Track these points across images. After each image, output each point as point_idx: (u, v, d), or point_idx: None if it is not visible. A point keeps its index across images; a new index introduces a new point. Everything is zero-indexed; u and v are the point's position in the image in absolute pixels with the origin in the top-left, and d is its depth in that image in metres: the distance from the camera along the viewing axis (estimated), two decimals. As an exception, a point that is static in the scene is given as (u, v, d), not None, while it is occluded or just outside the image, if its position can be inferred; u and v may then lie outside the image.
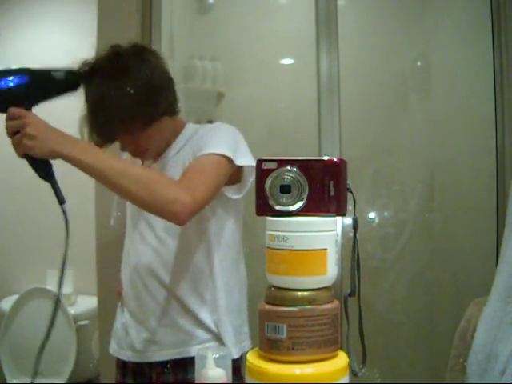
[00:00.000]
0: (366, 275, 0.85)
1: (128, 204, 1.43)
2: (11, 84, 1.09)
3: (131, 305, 1.41)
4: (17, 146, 1.09)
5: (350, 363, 0.73)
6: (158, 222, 1.32)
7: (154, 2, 2.06)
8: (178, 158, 1.35)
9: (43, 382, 2.60)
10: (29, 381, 2.49)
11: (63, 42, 2.91)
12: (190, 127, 1.41)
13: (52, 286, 2.70)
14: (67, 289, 2.79)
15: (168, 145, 1.38)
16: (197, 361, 0.83)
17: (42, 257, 2.77)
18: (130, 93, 1.22)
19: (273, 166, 0.75)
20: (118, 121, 1.24)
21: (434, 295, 2.36)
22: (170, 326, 1.35)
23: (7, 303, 2.71)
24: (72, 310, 2.66)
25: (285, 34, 2.40)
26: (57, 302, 1.09)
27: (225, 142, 1.28)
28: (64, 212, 1.09)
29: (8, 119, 1.09)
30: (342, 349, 0.74)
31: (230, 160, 1.25)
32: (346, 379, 0.71)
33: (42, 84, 1.14)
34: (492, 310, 0.93)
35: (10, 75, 1.09)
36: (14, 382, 2.61)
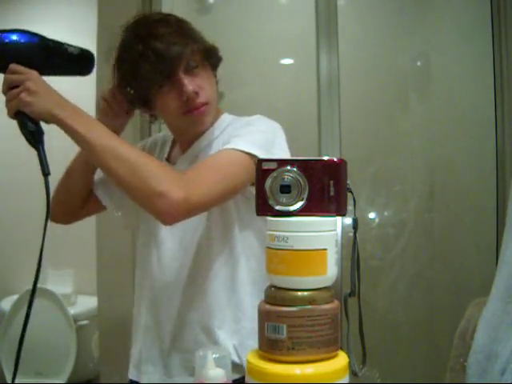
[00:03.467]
0: (366, 275, 0.85)
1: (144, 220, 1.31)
2: (19, 39, 1.04)
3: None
4: (12, 101, 1.03)
5: (350, 363, 0.73)
6: (181, 232, 1.21)
7: (154, 2, 2.06)
8: (209, 151, 1.23)
9: (43, 382, 2.61)
10: (29, 381, 2.49)
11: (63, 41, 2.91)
12: (225, 117, 1.30)
13: (52, 286, 2.71)
14: (67, 289, 2.79)
15: (200, 134, 1.26)
16: (197, 361, 0.83)
17: (42, 257, 2.77)
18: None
19: (273, 166, 0.75)
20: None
21: (434, 295, 2.36)
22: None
23: (7, 303, 2.72)
24: (72, 310, 2.66)
25: (285, 34, 2.40)
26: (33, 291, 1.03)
27: (257, 138, 1.14)
28: (47, 184, 1.01)
29: (9, 73, 1.04)
30: (342, 349, 0.74)
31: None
32: (346, 379, 0.71)
33: (53, 51, 1.09)
34: (492, 310, 0.93)
35: (19, 32, 1.04)
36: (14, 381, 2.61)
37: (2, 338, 2.62)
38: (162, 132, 1.47)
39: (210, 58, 1.23)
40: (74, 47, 1.13)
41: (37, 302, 2.99)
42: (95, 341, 2.36)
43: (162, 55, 1.12)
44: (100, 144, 1.02)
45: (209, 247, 1.21)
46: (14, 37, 1.04)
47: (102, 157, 1.03)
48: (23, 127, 1.04)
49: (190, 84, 1.15)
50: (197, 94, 1.16)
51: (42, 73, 1.07)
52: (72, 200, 1.32)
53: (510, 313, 0.88)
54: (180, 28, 1.18)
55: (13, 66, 1.04)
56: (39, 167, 1.06)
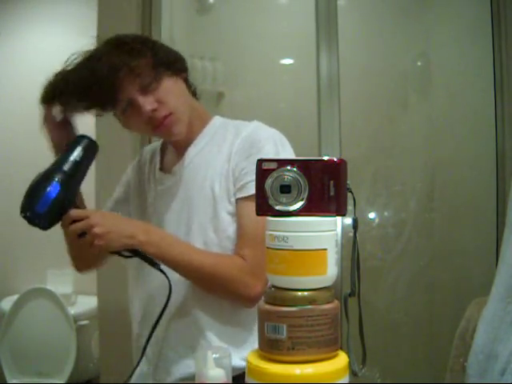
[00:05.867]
0: (366, 275, 0.85)
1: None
2: (47, 203, 1.07)
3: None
4: (90, 247, 1.07)
5: (350, 363, 0.73)
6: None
7: (154, 1, 2.06)
8: (203, 157, 1.24)
9: (43, 382, 2.61)
10: (29, 381, 2.49)
11: (62, 41, 2.91)
12: (216, 120, 1.29)
13: (52, 286, 2.71)
14: (67, 289, 2.79)
15: (192, 137, 1.26)
16: (197, 361, 0.83)
17: (42, 257, 2.77)
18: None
19: (273, 166, 0.75)
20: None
21: (434, 295, 2.37)
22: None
23: (7, 303, 2.71)
24: (72, 310, 2.66)
25: (285, 34, 2.40)
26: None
27: None
28: (169, 284, 1.10)
29: (70, 222, 1.07)
30: (342, 349, 0.74)
31: None
32: (346, 379, 0.71)
33: (73, 178, 1.11)
34: (492, 309, 0.93)
35: (39, 195, 1.07)
36: (14, 381, 2.61)
37: (2, 338, 2.62)
38: (152, 143, 1.47)
39: (166, 66, 1.19)
40: (75, 148, 1.13)
41: (37, 302, 2.99)
42: (95, 341, 2.36)
43: (102, 84, 1.12)
44: (178, 261, 1.12)
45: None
46: (44, 202, 1.06)
47: (183, 271, 1.14)
48: (127, 257, 1.12)
49: (145, 104, 1.15)
50: (155, 110, 1.16)
51: (75, 197, 1.12)
52: (86, 259, 1.30)
53: (510, 313, 0.88)
54: (118, 50, 1.15)
55: (72, 213, 1.07)
56: (40, 167, 1.09)
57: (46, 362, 2.63)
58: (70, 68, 1.16)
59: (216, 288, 1.17)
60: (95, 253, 1.09)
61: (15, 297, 2.69)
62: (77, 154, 1.12)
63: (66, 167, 1.10)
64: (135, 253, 1.11)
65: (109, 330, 1.67)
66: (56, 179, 1.07)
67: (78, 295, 2.83)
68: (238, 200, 1.19)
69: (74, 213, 1.08)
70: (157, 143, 1.41)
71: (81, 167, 1.13)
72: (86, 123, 1.25)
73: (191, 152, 1.26)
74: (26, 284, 2.73)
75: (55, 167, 1.10)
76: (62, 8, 2.99)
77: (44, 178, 1.08)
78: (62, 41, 2.92)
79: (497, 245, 1.93)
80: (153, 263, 1.12)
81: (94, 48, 1.19)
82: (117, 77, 1.12)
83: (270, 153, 1.17)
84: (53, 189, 1.07)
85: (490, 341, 0.90)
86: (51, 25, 3.00)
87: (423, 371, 2.26)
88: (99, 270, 2.08)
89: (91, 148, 1.15)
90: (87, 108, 1.18)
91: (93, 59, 1.15)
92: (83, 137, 1.16)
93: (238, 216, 1.19)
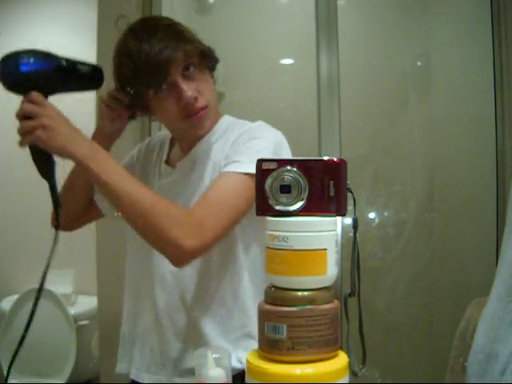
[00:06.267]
0: (366, 275, 0.85)
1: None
2: (35, 67, 1.03)
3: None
4: (25, 133, 1.02)
5: (350, 363, 0.73)
6: None
7: (153, 2, 2.06)
8: (209, 155, 1.23)
9: (43, 382, 2.61)
10: (29, 381, 2.49)
11: (62, 41, 2.91)
12: (226, 120, 1.28)
13: (52, 286, 2.71)
14: (67, 289, 2.79)
15: (201, 136, 1.25)
16: (197, 361, 0.83)
17: (42, 257, 2.77)
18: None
19: (273, 166, 0.75)
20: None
21: (434, 295, 2.36)
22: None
23: (7, 303, 2.71)
24: (72, 310, 2.66)
25: (285, 34, 2.40)
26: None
27: (259, 154, 1.04)
28: (58, 215, 1.04)
29: (25, 101, 1.03)
30: (342, 349, 0.74)
31: None
32: (346, 379, 0.71)
33: (66, 74, 1.09)
34: (492, 309, 0.93)
35: (35, 57, 1.04)
36: (14, 381, 2.61)
37: (2, 338, 2.62)
38: (162, 131, 1.46)
39: (207, 59, 1.21)
40: (86, 65, 1.14)
41: (37, 302, 2.93)
42: (95, 341, 2.36)
43: (156, 60, 1.11)
44: (116, 188, 1.03)
45: (209, 268, 1.20)
46: (31, 64, 1.03)
47: (117, 200, 1.05)
48: (35, 159, 1.05)
49: (188, 89, 1.14)
50: (196, 98, 1.15)
51: (55, 92, 1.07)
52: (74, 208, 1.30)
53: (510, 313, 0.88)
54: (173, 31, 1.16)
55: (32, 96, 1.03)
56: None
57: (45, 361, 2.63)
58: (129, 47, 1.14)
59: (146, 231, 1.07)
60: (26, 140, 1.03)
61: (15, 297, 2.69)
62: (83, 64, 1.12)
63: (68, 60, 1.09)
64: (47, 165, 1.04)
65: (109, 330, 1.67)
66: (55, 58, 1.07)
67: (78, 295, 2.83)
68: (218, 175, 1.16)
69: (35, 95, 1.03)
70: (162, 134, 1.39)
71: (77, 73, 1.11)
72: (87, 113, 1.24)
73: (198, 149, 1.25)
74: (26, 284, 2.73)
75: (62, 56, 1.08)
76: (62, 8, 3.00)
77: (50, 53, 1.06)
78: (62, 41, 2.92)
79: (497, 245, 1.93)
80: (54, 196, 1.05)
81: (144, 22, 1.20)
82: (170, 57, 1.11)
83: (263, 144, 1.16)
84: (48, 62, 1.05)
85: (490, 341, 0.90)
86: (51, 25, 3.00)
87: (423, 371, 2.26)
88: (99, 269, 2.09)
89: (96, 78, 1.15)
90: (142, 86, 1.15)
91: (148, 35, 1.13)
92: (100, 70, 1.16)
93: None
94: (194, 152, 1.25)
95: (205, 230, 1.06)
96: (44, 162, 1.04)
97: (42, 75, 1.04)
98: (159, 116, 1.24)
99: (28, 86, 1.03)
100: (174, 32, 1.16)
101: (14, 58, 1.03)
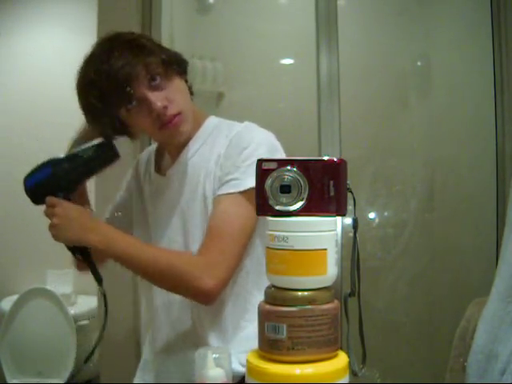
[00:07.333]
0: (366, 275, 0.85)
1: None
2: (35, 180, 1.15)
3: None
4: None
5: (350, 363, 0.73)
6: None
7: (153, 2, 2.06)
8: (195, 159, 1.23)
9: (43, 382, 2.61)
10: (29, 381, 2.49)
11: (62, 41, 2.91)
12: (211, 121, 1.27)
13: (52, 286, 2.71)
14: (67, 289, 2.79)
15: (187, 141, 1.24)
16: (197, 361, 0.83)
17: (42, 257, 2.77)
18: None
19: (273, 166, 0.75)
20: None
21: (434, 295, 2.36)
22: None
23: (7, 303, 2.71)
24: (72, 310, 2.66)
25: (285, 34, 2.40)
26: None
27: (254, 165, 1.00)
28: (104, 296, 1.17)
29: (46, 207, 1.14)
30: (342, 349, 0.74)
31: None
32: (346, 379, 0.71)
33: (71, 169, 1.15)
34: (492, 309, 0.93)
35: (34, 170, 1.15)
36: (14, 381, 2.61)
37: (2, 338, 2.62)
38: (153, 144, 1.46)
39: (173, 66, 1.19)
40: (88, 149, 1.16)
41: (37, 302, 2.99)
42: (95, 341, 2.36)
43: (117, 78, 1.11)
44: (133, 259, 1.13)
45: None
46: (32, 178, 1.16)
47: (136, 268, 1.16)
48: (68, 249, 1.16)
49: (157, 100, 1.14)
50: (166, 107, 1.14)
51: (75, 185, 1.18)
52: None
53: (510, 313, 0.88)
54: (132, 46, 1.15)
55: (46, 200, 1.13)
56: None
57: (45, 362, 2.63)
58: (88, 67, 1.16)
59: (167, 283, 1.15)
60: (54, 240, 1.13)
61: (15, 297, 2.69)
62: (85, 149, 1.16)
63: (68, 157, 1.16)
64: (83, 254, 1.15)
65: (109, 329, 1.66)
66: (52, 164, 1.14)
67: (78, 295, 2.83)
68: (215, 197, 1.17)
69: (49, 199, 1.13)
70: (151, 147, 1.40)
71: (82, 162, 1.15)
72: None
73: (185, 154, 1.25)
74: (26, 284, 2.73)
75: (62, 156, 1.16)
76: (62, 8, 3.00)
77: (48, 161, 1.15)
78: (62, 41, 2.93)
79: (497, 245, 1.93)
80: (96, 277, 1.17)
81: (101, 45, 1.18)
82: (131, 73, 1.12)
83: (252, 155, 1.15)
84: (45, 170, 1.14)
85: (490, 341, 0.90)
86: (51, 25, 3.00)
87: (423, 371, 2.26)
88: (99, 269, 2.09)
89: (106, 152, 1.17)
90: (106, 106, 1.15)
91: (106, 56, 1.13)
92: (107, 142, 1.18)
93: (211, 212, 1.17)
94: (181, 158, 1.25)
95: (220, 267, 1.12)
96: (78, 253, 1.16)
97: (47, 182, 1.14)
98: (138, 131, 1.24)
99: (39, 195, 1.15)
100: (133, 46, 1.15)
101: (24, 178, 1.17)
